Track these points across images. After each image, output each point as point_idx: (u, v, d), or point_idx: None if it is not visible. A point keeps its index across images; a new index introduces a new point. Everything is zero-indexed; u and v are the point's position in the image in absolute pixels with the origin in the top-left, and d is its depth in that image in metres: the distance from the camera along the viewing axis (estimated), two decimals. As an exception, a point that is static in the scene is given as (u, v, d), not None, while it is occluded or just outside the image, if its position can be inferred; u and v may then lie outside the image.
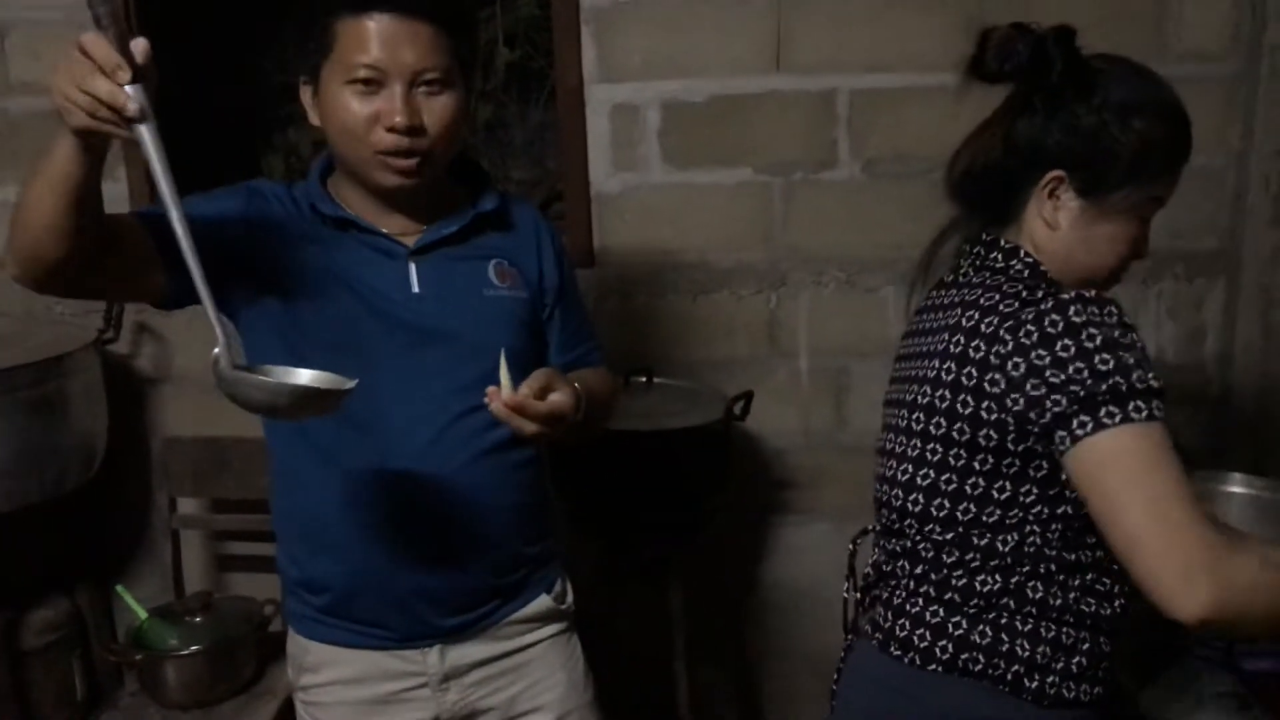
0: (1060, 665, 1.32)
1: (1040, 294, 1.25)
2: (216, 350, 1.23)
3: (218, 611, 2.25)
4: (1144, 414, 1.17)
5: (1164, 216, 2.38)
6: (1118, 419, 1.16)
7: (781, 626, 2.65)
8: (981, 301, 1.30)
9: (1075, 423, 1.19)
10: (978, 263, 1.38)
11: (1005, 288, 1.30)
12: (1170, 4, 2.34)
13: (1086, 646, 1.33)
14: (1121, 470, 1.17)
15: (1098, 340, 1.19)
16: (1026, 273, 1.33)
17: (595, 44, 2.39)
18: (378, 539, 1.49)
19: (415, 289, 1.50)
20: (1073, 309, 1.21)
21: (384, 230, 1.51)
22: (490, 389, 1.39)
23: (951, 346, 1.31)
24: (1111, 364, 1.18)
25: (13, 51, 2.45)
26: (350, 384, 1.27)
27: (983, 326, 1.28)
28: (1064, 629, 1.32)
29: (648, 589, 2.28)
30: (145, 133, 1.12)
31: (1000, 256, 1.35)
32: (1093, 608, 1.33)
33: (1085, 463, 1.19)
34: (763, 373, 2.54)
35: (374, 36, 1.38)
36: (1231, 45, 2.34)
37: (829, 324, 2.51)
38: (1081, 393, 1.18)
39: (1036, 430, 1.23)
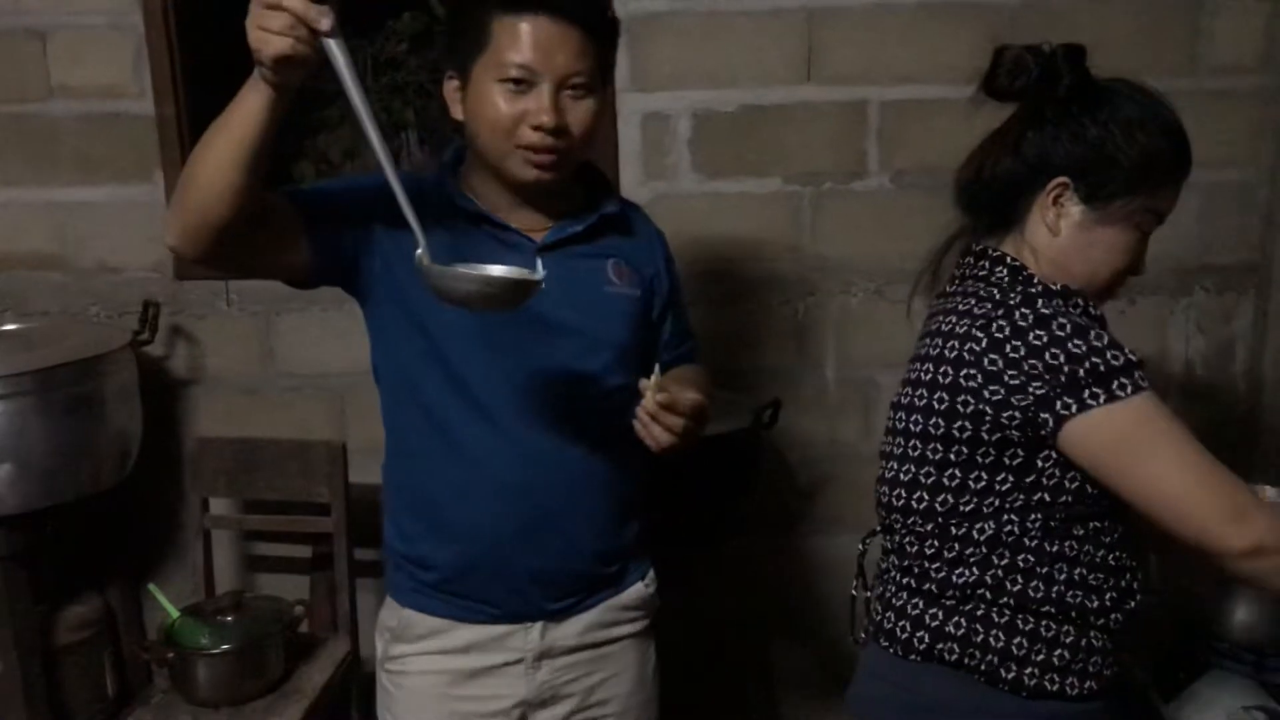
0: (1040, 657, 1.35)
1: (1013, 295, 1.33)
2: (419, 250, 1.33)
3: (248, 611, 2.27)
4: (1129, 389, 1.25)
5: (1194, 230, 2.42)
6: (1102, 399, 1.24)
7: (808, 633, 2.66)
8: (960, 308, 1.37)
9: (1059, 404, 1.26)
10: (967, 272, 1.44)
11: (983, 292, 1.37)
12: (1202, 20, 2.35)
13: (1070, 640, 1.35)
14: (1132, 447, 1.25)
15: (1068, 328, 1.27)
16: (1007, 278, 1.38)
17: (627, 53, 2.41)
18: (493, 523, 1.55)
19: (541, 283, 1.55)
20: (1040, 302, 1.30)
21: (514, 225, 1.56)
22: (642, 381, 1.46)
23: (932, 350, 1.38)
24: (1084, 347, 1.26)
25: (54, 56, 2.49)
26: (540, 275, 1.37)
27: (959, 329, 1.35)
28: (1044, 622, 1.35)
29: (675, 594, 2.29)
30: (336, 48, 1.21)
31: (987, 265, 1.41)
32: (1079, 600, 1.35)
33: (1086, 441, 1.26)
34: (790, 382, 2.55)
35: (528, 37, 1.42)
36: (1264, 60, 2.35)
37: (857, 334, 2.53)
38: (1061, 376, 1.25)
39: (1018, 418, 1.29)
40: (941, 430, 1.35)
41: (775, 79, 2.41)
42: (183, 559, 2.68)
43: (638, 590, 1.70)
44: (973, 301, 1.36)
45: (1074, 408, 1.25)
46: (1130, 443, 1.25)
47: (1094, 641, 1.36)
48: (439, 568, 1.59)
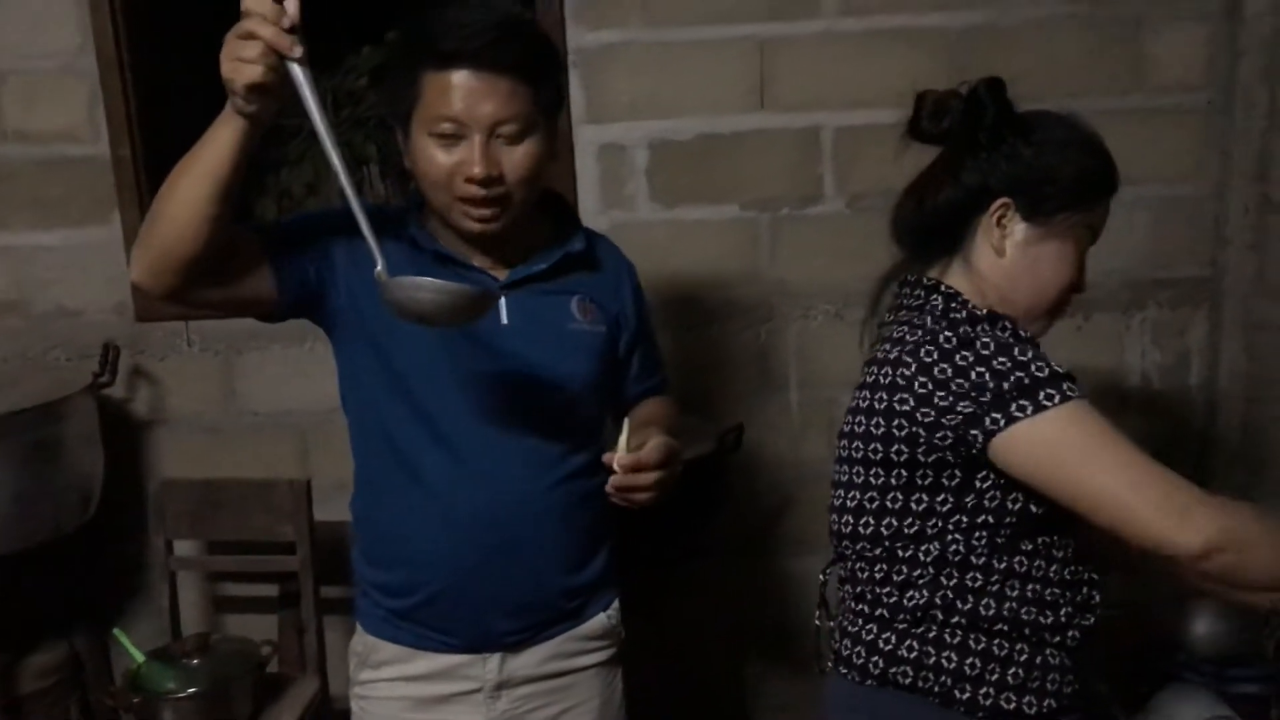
0: (995, 676, 1.35)
1: (941, 321, 1.36)
2: (378, 268, 1.37)
3: (215, 653, 2.25)
4: (1056, 399, 1.26)
5: (1147, 245, 2.46)
6: (1029, 410, 1.26)
7: (780, 656, 2.66)
8: (895, 335, 1.41)
9: (988, 420, 1.27)
10: (903, 302, 1.46)
11: (916, 320, 1.39)
12: (1146, 40, 2.39)
13: (1025, 658, 1.36)
14: (1064, 454, 1.26)
15: (991, 346, 1.30)
16: (941, 305, 1.39)
17: (582, 85, 2.44)
18: (458, 554, 1.56)
19: (504, 320, 1.57)
20: (963, 327, 1.33)
21: (477, 264, 1.57)
22: (606, 455, 1.49)
23: (868, 378, 1.41)
24: (1009, 363, 1.28)
25: (8, 100, 2.49)
26: (496, 292, 1.42)
27: (893, 355, 1.37)
28: (996, 640, 1.36)
29: (644, 622, 2.29)
30: (303, 76, 1.27)
31: (922, 294, 1.43)
32: (1032, 617, 1.36)
33: (1017, 453, 1.28)
34: (754, 405, 2.56)
35: (454, 90, 1.42)
36: (1206, 77, 2.40)
37: (818, 356, 2.55)
38: (987, 393, 1.28)
39: (950, 438, 1.31)
40: (881, 455, 1.37)
41: (729, 107, 2.44)
42: (149, 602, 2.66)
43: (600, 621, 1.70)
44: (906, 329, 1.39)
45: (1002, 422, 1.27)
46: (1062, 450, 1.26)
47: (1050, 659, 1.36)
48: (401, 596, 1.61)
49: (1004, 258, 1.40)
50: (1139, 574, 1.53)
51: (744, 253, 2.51)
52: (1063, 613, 1.37)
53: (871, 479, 1.39)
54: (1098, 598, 1.41)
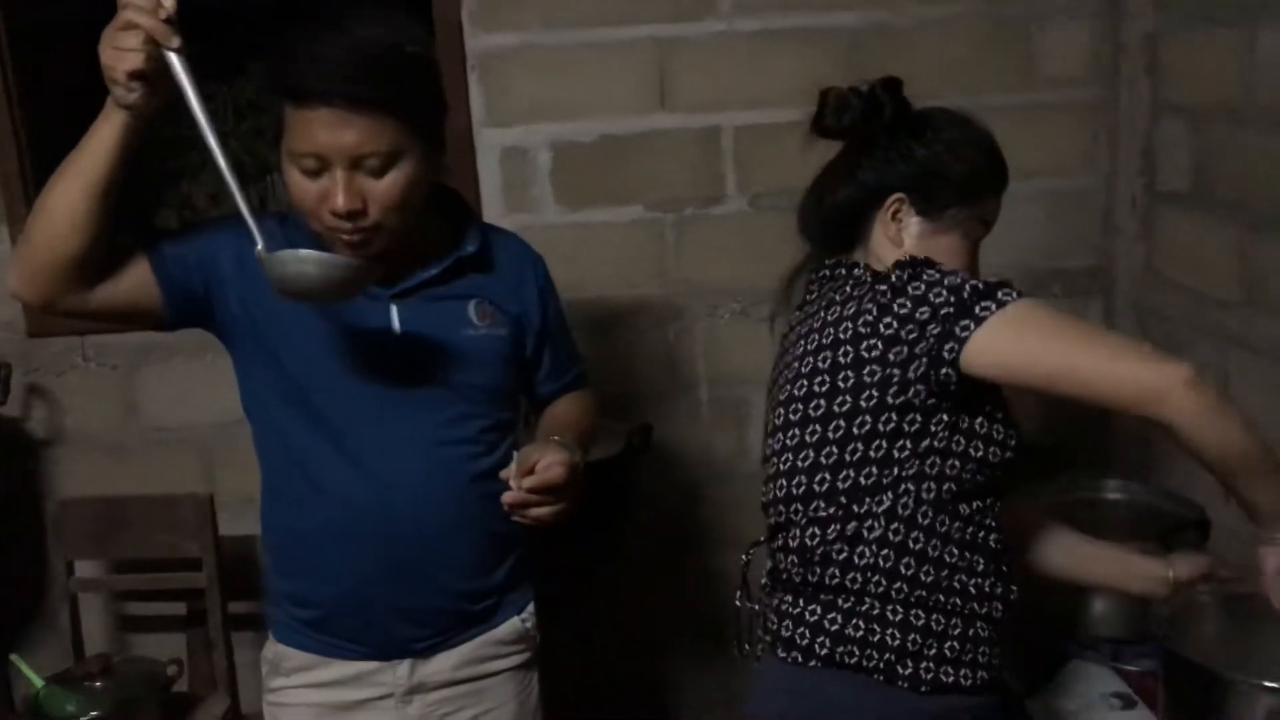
0: (933, 651, 1.39)
1: (875, 277, 1.43)
2: (258, 247, 1.37)
3: (118, 675, 2.20)
4: (1013, 294, 1.34)
5: (1042, 237, 2.51)
6: (993, 307, 1.33)
7: (698, 652, 2.68)
8: (829, 317, 1.44)
9: (958, 328, 1.32)
10: (824, 286, 1.51)
11: (847, 290, 1.45)
12: (1034, 36, 2.45)
13: (958, 631, 1.41)
14: (1036, 333, 1.34)
15: (936, 273, 1.37)
16: (864, 274, 1.46)
17: (482, 89, 2.42)
18: (360, 563, 1.56)
19: (397, 329, 1.55)
20: (904, 267, 1.39)
21: None
22: (503, 472, 1.52)
23: (809, 345, 1.45)
24: (958, 278, 1.36)
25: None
26: (378, 266, 1.44)
27: (846, 311, 1.42)
28: (934, 615, 1.40)
29: (559, 626, 2.29)
30: (179, 63, 1.30)
31: (844, 272, 1.49)
32: (963, 586, 1.41)
33: (990, 348, 1.32)
34: (665, 405, 2.57)
35: (314, 126, 1.39)
36: (1093, 71, 2.46)
37: (726, 354, 2.57)
38: (950, 308, 1.33)
39: (924, 364, 1.35)
40: (847, 406, 1.40)
41: (630, 109, 2.45)
42: (50, 625, 2.58)
43: (514, 625, 1.69)
44: (841, 298, 1.44)
45: (971, 325, 1.32)
46: (1036, 330, 1.33)
47: (980, 632, 1.42)
48: (307, 605, 1.61)
49: (901, 248, 1.46)
50: (1026, 566, 1.59)
51: (650, 253, 2.52)
52: (989, 583, 1.42)
53: (830, 433, 1.42)
54: (1016, 572, 1.48)
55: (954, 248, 1.47)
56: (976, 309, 1.32)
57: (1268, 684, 1.43)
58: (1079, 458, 2.36)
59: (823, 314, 1.45)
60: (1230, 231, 2.10)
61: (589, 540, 2.23)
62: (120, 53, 1.28)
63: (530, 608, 1.73)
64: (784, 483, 1.48)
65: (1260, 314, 2.02)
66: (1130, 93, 2.41)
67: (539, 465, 1.50)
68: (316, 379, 1.53)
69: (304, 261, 1.38)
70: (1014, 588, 1.46)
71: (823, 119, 1.49)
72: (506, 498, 1.50)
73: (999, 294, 1.33)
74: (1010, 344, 1.32)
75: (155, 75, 1.29)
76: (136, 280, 1.46)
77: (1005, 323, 1.32)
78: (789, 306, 1.59)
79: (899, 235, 1.46)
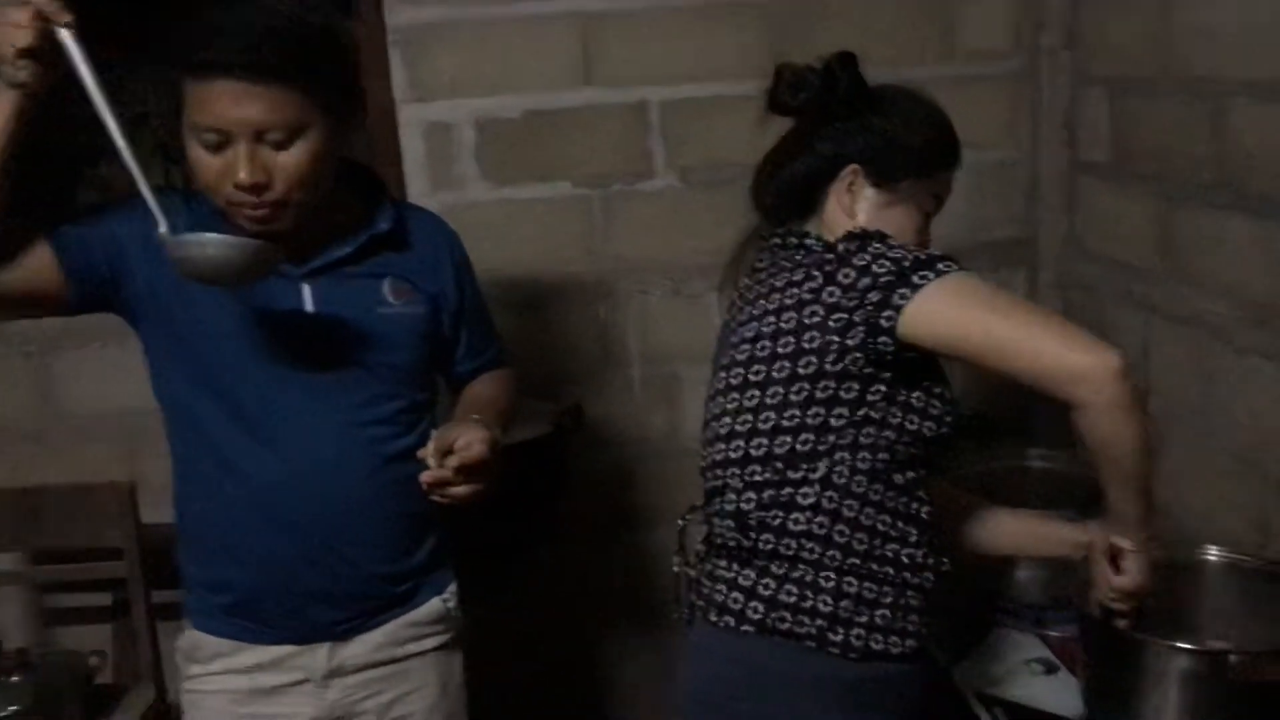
0: (864, 619, 1.41)
1: (824, 246, 1.44)
2: (161, 229, 1.36)
3: (38, 668, 2.15)
4: (953, 266, 1.36)
5: (966, 210, 2.53)
6: (931, 277, 1.34)
7: (632, 628, 2.68)
8: (777, 284, 1.46)
9: (895, 297, 1.34)
10: (776, 254, 1.51)
11: (796, 258, 1.46)
12: (956, 9, 2.46)
13: (890, 600, 1.42)
14: (966, 305, 1.34)
15: (880, 248, 1.38)
16: (816, 243, 1.47)
17: (404, 64, 2.38)
18: (275, 547, 1.54)
19: (310, 308, 1.53)
20: (853, 239, 1.41)
21: None
22: (420, 451, 1.50)
23: (754, 311, 1.47)
24: (900, 250, 1.38)
25: None
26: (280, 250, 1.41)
27: (795, 277, 1.43)
28: (866, 583, 1.42)
29: (490, 606, 2.28)
30: (71, 40, 1.28)
31: (795, 240, 1.50)
32: (895, 555, 1.43)
33: (925, 318, 1.34)
34: (597, 383, 2.56)
35: (215, 99, 1.36)
36: (1014, 45, 2.48)
37: (658, 331, 2.56)
38: (891, 277, 1.34)
39: (862, 332, 1.36)
40: (786, 372, 1.41)
41: (556, 84, 2.42)
42: (-33, 621, 2.52)
43: (435, 606, 1.68)
44: (791, 265, 1.45)
45: (909, 293, 1.33)
46: (970, 301, 1.34)
47: (910, 600, 1.44)
48: (222, 591, 1.59)
49: (855, 219, 1.48)
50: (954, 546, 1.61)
51: (579, 230, 2.50)
52: (920, 553, 1.45)
53: (768, 399, 1.43)
54: (945, 543, 1.50)
55: (906, 220, 1.50)
56: (914, 278, 1.34)
57: (1180, 645, 1.46)
58: (1002, 427, 2.39)
59: (772, 280, 1.47)
60: (1149, 202, 2.13)
61: (522, 520, 2.22)
62: (10, 29, 1.26)
63: (452, 587, 1.72)
64: (722, 446, 1.49)
65: (1177, 282, 2.05)
66: (1051, 65, 2.43)
67: (458, 444, 1.48)
68: (227, 360, 1.51)
69: (206, 245, 1.36)
70: (944, 559, 1.49)
71: (778, 96, 1.50)
72: (425, 477, 1.48)
73: (938, 265, 1.35)
74: (944, 313, 1.34)
75: (47, 53, 1.28)
76: (37, 263, 1.43)
77: (941, 292, 1.33)
78: (737, 276, 1.59)
79: (853, 206, 1.48)
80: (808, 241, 1.48)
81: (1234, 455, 1.91)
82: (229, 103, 1.35)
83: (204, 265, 1.37)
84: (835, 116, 1.49)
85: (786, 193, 1.53)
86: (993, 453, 2.15)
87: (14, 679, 2.11)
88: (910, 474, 1.44)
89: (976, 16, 2.46)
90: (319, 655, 1.60)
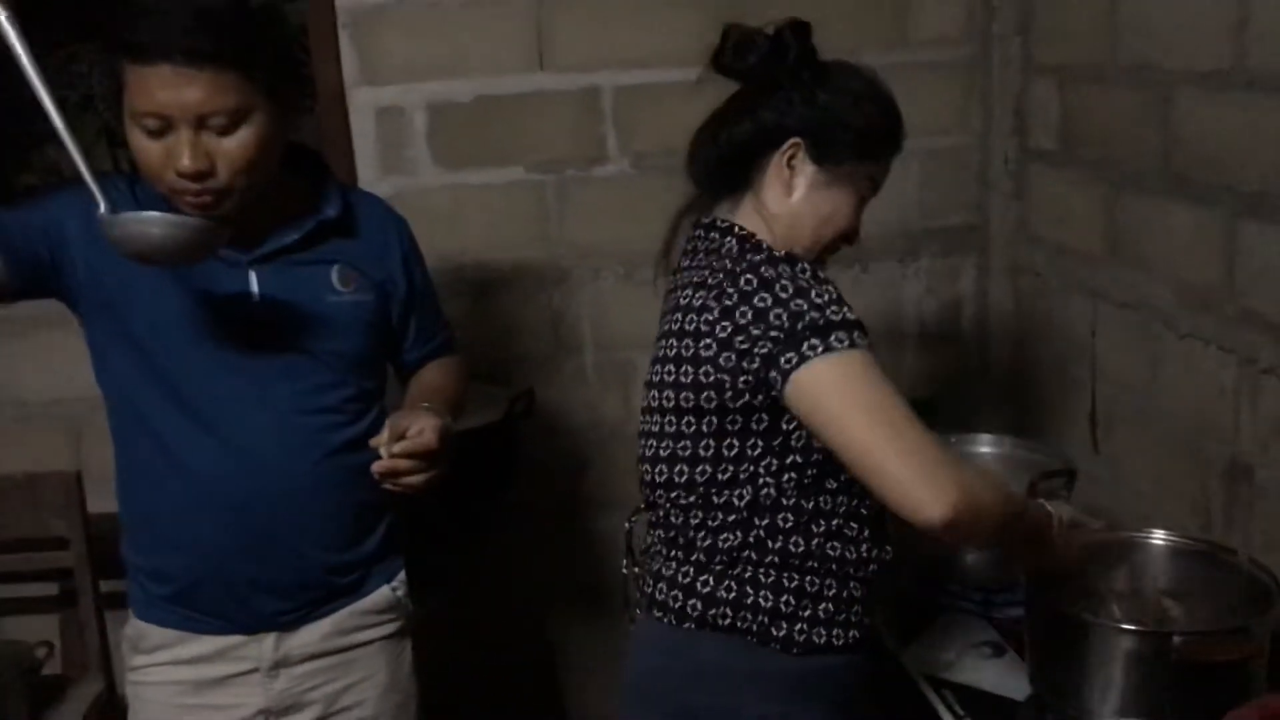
0: (807, 613, 1.41)
1: (740, 264, 1.37)
2: (101, 209, 1.32)
3: (-18, 660, 2.13)
4: (845, 343, 1.29)
5: (917, 196, 2.55)
6: (819, 350, 1.28)
7: (586, 616, 2.68)
8: (695, 280, 1.42)
9: (783, 360, 1.29)
10: (698, 245, 1.48)
11: (714, 264, 1.40)
12: (908, -4, 2.46)
13: (833, 593, 1.42)
14: (839, 395, 1.29)
15: (790, 289, 1.32)
16: (736, 248, 1.42)
17: (355, 47, 2.36)
18: (218, 536, 1.52)
19: (256, 295, 1.51)
20: (764, 268, 1.34)
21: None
22: (372, 440, 1.49)
23: (674, 325, 1.42)
24: (804, 305, 1.30)
25: None
26: (225, 228, 1.39)
27: (695, 301, 1.39)
28: (808, 577, 1.41)
29: (441, 594, 2.27)
30: (6, 20, 1.26)
31: (717, 235, 1.45)
32: (838, 552, 1.42)
33: (802, 394, 1.30)
34: (550, 369, 2.56)
35: (154, 85, 1.34)
36: (966, 32, 2.49)
37: (611, 317, 2.55)
38: (782, 334, 1.30)
39: (751, 381, 1.33)
40: (692, 403, 1.39)
41: (508, 68, 2.41)
42: (-91, 613, 2.48)
43: (383, 595, 1.67)
44: (706, 274, 1.41)
45: (794, 360, 1.29)
46: (837, 393, 1.29)
47: (854, 592, 1.44)
48: (166, 580, 1.58)
49: (791, 197, 1.44)
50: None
51: (531, 216, 2.49)
52: (864, 547, 1.44)
53: (684, 427, 1.41)
54: (889, 532, 1.48)
55: (842, 202, 1.46)
56: (804, 345, 1.29)
57: (1125, 626, 1.49)
58: (954, 412, 2.41)
59: (687, 293, 1.42)
60: (1095, 188, 2.16)
61: (472, 507, 2.21)
62: None
63: (401, 575, 1.71)
64: (648, 468, 1.48)
65: (1123, 268, 2.08)
66: (1002, 52, 2.45)
67: (409, 431, 1.48)
68: (170, 347, 1.49)
69: (145, 223, 1.34)
70: (889, 547, 1.48)
71: (722, 56, 1.45)
72: (377, 466, 1.48)
73: (833, 337, 1.29)
74: (813, 396, 1.29)
75: None
76: None
77: (819, 371, 1.28)
78: (669, 265, 1.57)
79: (791, 181, 1.44)
80: (728, 244, 1.42)
81: (1177, 438, 1.94)
82: (168, 88, 1.33)
83: (142, 243, 1.34)
84: (781, 85, 1.44)
85: (723, 160, 1.47)
86: (943, 438, 2.16)
87: (-42, 671, 2.08)
88: (844, 475, 1.39)
89: (929, 3, 2.46)
90: (265, 645, 1.59)
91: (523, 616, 2.66)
